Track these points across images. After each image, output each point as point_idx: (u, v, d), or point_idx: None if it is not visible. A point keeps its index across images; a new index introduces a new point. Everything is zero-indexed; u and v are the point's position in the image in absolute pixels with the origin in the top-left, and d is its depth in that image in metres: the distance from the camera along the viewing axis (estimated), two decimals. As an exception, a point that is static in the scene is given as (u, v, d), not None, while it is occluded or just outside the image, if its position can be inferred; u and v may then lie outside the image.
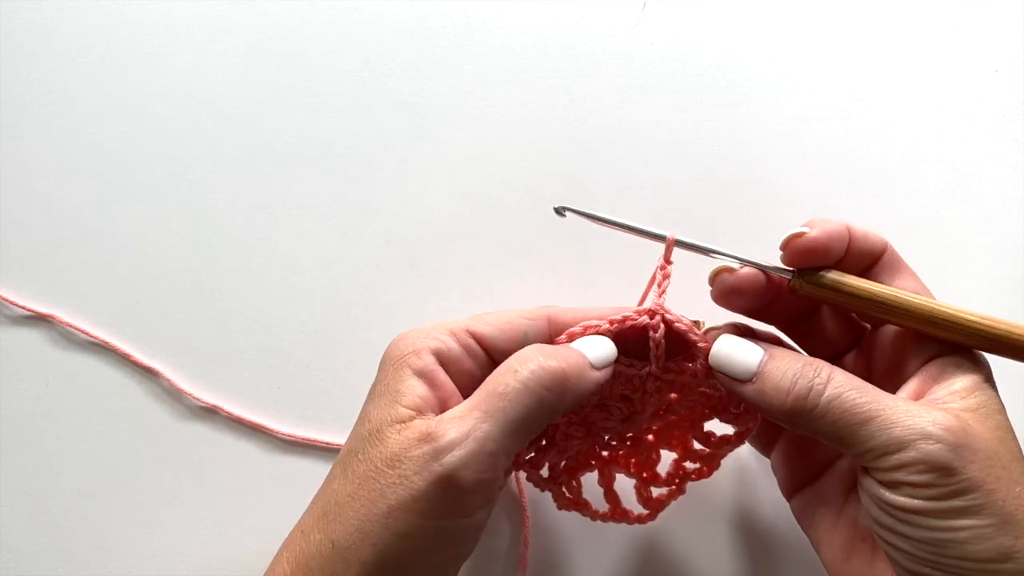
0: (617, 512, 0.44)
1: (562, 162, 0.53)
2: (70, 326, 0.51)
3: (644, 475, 0.44)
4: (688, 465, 0.44)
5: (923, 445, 0.33)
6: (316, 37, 0.54)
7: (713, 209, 0.52)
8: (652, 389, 0.40)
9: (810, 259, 0.38)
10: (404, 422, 0.35)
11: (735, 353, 0.37)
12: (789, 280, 0.39)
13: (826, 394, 0.35)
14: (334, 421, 0.50)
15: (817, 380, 0.35)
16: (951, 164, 0.53)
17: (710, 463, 0.44)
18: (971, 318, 0.36)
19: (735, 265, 0.39)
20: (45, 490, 0.50)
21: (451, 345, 0.38)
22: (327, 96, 0.53)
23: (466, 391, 0.38)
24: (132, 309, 0.52)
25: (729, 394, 0.41)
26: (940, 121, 0.53)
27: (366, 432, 0.36)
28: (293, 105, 0.53)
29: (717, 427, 0.43)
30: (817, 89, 0.53)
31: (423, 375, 0.37)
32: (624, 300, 0.44)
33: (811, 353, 0.42)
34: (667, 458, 0.45)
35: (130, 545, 0.49)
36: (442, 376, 0.37)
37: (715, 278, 0.40)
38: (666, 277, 0.39)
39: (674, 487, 0.44)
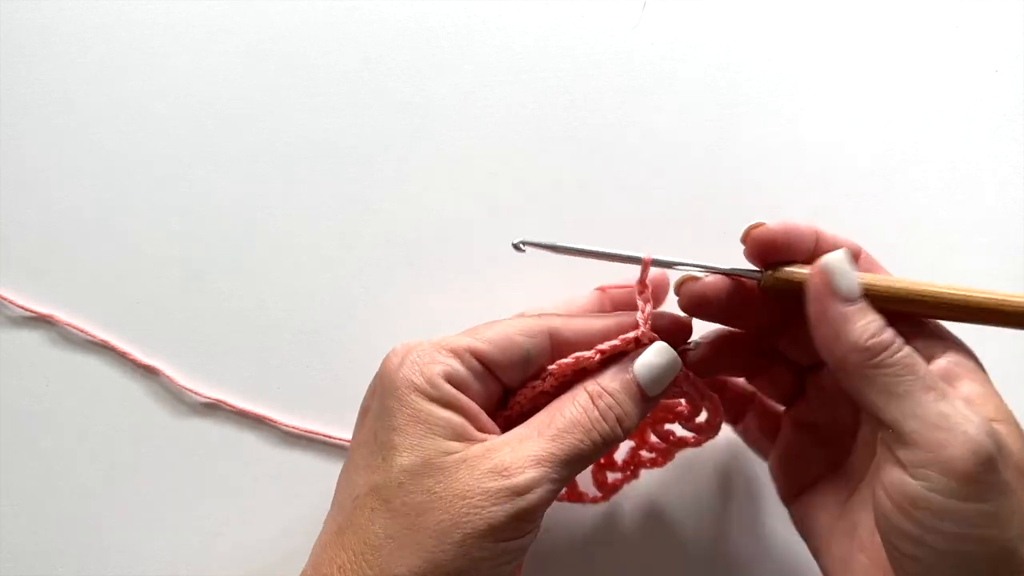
0: (572, 494, 0.46)
1: (562, 162, 0.53)
2: (70, 326, 0.51)
3: (601, 460, 0.46)
4: (643, 454, 0.46)
5: (973, 434, 0.32)
6: (316, 37, 0.54)
7: (713, 209, 0.52)
8: None
9: (771, 253, 0.38)
10: (455, 453, 0.35)
11: (851, 272, 0.36)
12: (759, 281, 0.39)
13: (903, 352, 0.34)
14: (334, 421, 0.50)
15: (899, 338, 0.35)
16: (951, 164, 0.53)
17: (665, 455, 0.46)
18: (950, 291, 0.37)
19: (700, 274, 0.39)
20: (45, 490, 0.50)
21: (458, 369, 0.37)
22: (327, 96, 0.53)
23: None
24: (132, 308, 0.52)
25: (693, 408, 0.42)
26: (940, 121, 0.53)
27: (407, 464, 0.35)
28: (293, 105, 0.53)
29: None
30: (817, 89, 0.53)
31: (449, 406, 0.37)
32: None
33: (794, 360, 0.42)
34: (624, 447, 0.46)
35: (131, 545, 0.49)
36: (464, 400, 0.37)
37: (680, 288, 0.40)
38: (647, 302, 0.39)
39: (628, 473, 0.46)
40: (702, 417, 0.43)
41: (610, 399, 0.38)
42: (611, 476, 0.46)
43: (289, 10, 0.54)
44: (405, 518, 0.34)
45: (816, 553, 0.41)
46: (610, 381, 0.38)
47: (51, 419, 0.51)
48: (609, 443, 0.37)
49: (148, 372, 0.51)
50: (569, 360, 0.39)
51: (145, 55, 0.54)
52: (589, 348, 0.39)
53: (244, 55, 0.54)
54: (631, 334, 0.39)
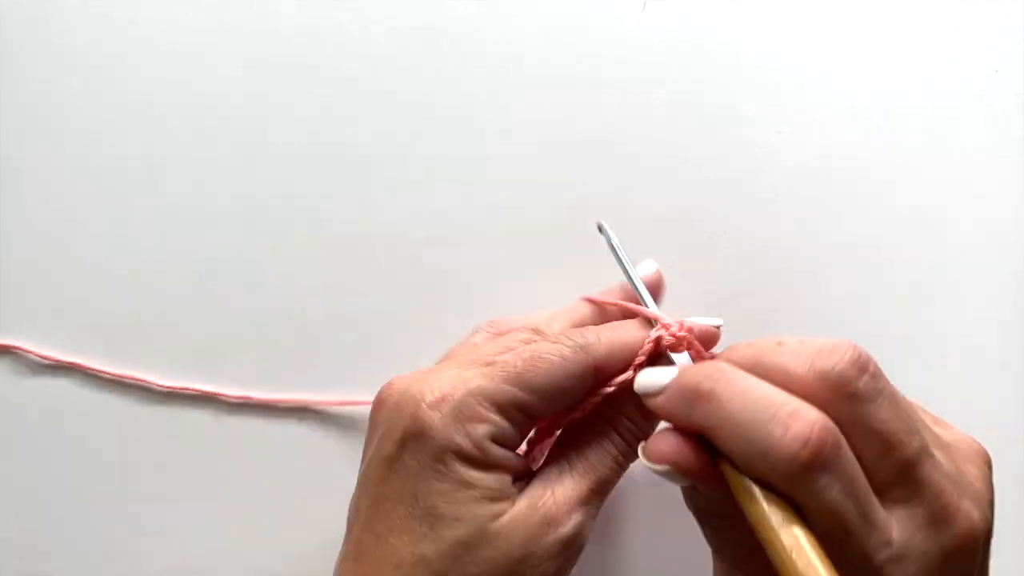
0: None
1: (562, 162, 0.53)
2: (37, 355, 0.51)
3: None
4: None
5: None
6: (316, 37, 0.54)
7: (712, 209, 0.52)
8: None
9: None
10: (505, 515, 0.35)
11: None
12: None
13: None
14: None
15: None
16: (951, 164, 0.53)
17: None
18: None
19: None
20: (45, 491, 0.50)
21: (505, 428, 0.36)
22: (327, 96, 0.53)
23: None
24: (131, 309, 0.52)
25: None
26: (940, 121, 0.53)
27: (461, 537, 0.34)
28: (293, 105, 0.53)
29: None
30: (817, 89, 0.53)
31: (498, 468, 0.36)
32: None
33: None
34: None
35: (130, 547, 0.50)
36: (513, 461, 0.37)
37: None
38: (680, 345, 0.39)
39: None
40: None
41: (625, 420, 0.39)
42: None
43: (290, 10, 0.54)
44: None
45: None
46: (622, 403, 0.40)
47: (50, 420, 0.51)
48: (629, 461, 0.39)
49: (140, 378, 0.51)
50: (612, 389, 0.39)
51: (145, 56, 0.54)
52: (624, 367, 0.38)
53: (244, 55, 0.54)
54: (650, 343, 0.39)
